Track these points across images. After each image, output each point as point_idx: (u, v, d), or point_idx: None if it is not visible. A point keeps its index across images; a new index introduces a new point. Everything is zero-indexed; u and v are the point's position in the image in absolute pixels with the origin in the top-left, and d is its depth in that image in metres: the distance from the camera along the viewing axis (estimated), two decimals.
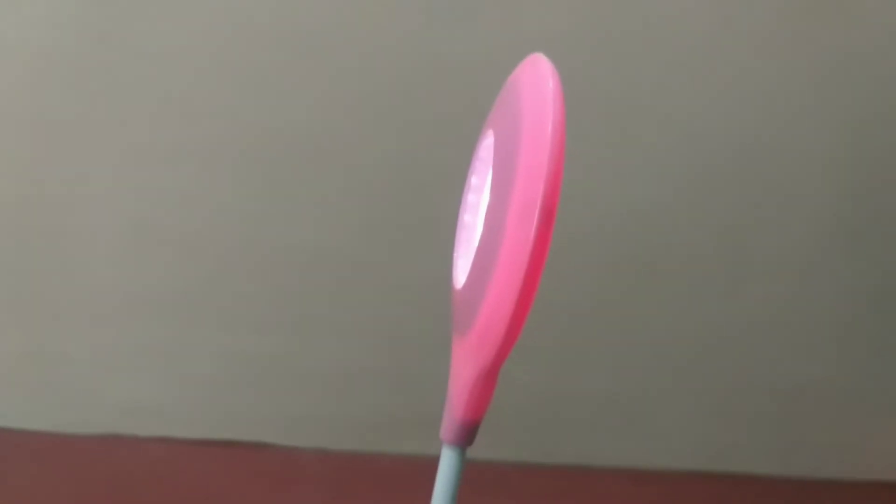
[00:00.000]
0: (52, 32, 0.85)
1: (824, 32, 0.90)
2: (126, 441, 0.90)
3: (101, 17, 0.85)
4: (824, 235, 0.93)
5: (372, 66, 0.87)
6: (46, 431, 0.89)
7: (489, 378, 0.41)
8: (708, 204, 0.92)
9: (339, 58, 0.87)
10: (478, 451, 0.92)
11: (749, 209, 0.92)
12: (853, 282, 0.94)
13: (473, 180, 0.43)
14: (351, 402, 0.92)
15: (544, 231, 0.38)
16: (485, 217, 0.41)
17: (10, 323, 0.89)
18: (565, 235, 0.91)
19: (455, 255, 0.44)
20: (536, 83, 0.40)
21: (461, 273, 0.42)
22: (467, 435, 0.42)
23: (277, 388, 0.91)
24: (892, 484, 0.96)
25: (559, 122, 0.38)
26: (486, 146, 0.43)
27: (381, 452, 0.91)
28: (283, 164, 0.89)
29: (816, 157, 0.92)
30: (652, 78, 0.89)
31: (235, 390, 0.91)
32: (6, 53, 0.85)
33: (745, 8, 0.89)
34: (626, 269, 0.92)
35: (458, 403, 0.42)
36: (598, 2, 0.87)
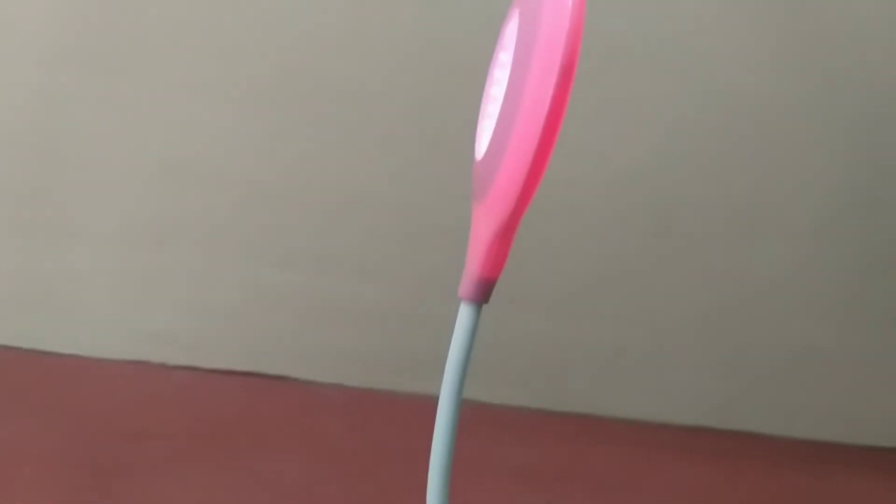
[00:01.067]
0: None
1: None
2: (150, 368, 0.91)
3: None
4: (839, 199, 0.94)
5: (408, 7, 0.89)
6: (72, 354, 0.91)
7: (506, 235, 0.43)
8: (723, 161, 0.93)
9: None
10: (491, 395, 0.93)
11: (765, 169, 0.93)
12: (867, 246, 0.94)
13: (501, 56, 0.45)
14: (372, 340, 0.93)
15: (564, 83, 0.40)
16: (507, 86, 0.43)
17: (42, 247, 0.91)
18: (579, 188, 0.92)
19: (478, 128, 0.46)
20: None
21: (483, 143, 0.45)
22: (483, 292, 0.44)
23: (300, 322, 0.93)
24: (893, 450, 0.97)
25: None
26: (512, 24, 0.45)
27: (399, 391, 0.93)
28: (316, 103, 0.90)
29: (835, 119, 0.92)
30: (670, 31, 0.90)
31: (259, 323, 0.92)
32: None
33: None
34: (639, 223, 0.93)
35: (476, 262, 0.44)
36: None
